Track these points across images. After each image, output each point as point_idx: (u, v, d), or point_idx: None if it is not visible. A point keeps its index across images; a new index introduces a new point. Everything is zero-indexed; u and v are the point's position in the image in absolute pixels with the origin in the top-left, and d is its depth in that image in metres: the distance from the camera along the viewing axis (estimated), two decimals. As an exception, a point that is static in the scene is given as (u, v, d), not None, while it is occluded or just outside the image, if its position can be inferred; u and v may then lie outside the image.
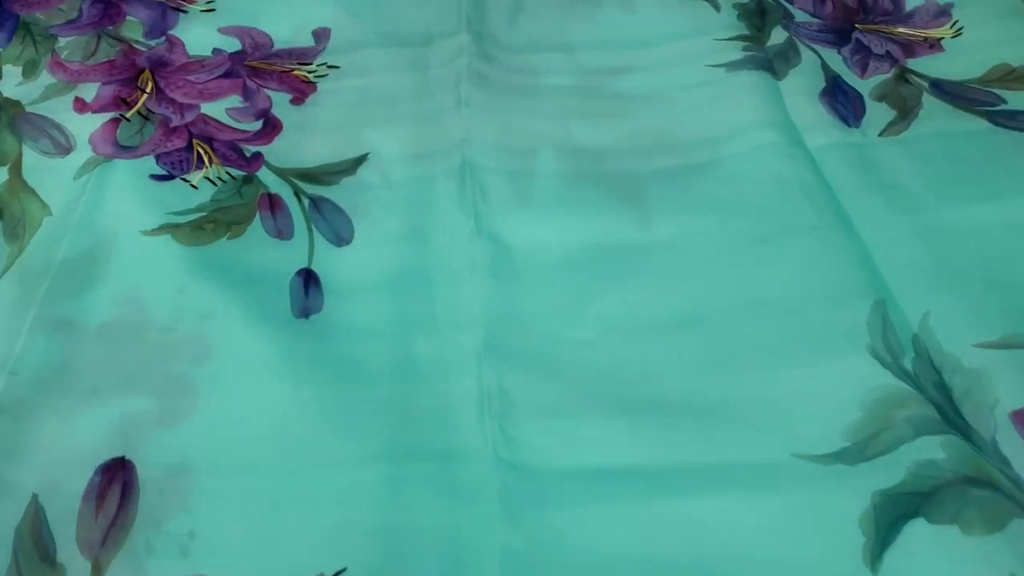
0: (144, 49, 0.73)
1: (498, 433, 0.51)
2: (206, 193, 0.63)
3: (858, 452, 0.49)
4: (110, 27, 0.74)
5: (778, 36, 0.77)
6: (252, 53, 0.73)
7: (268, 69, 0.72)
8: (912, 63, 0.74)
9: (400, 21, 0.77)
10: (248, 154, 0.66)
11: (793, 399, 0.52)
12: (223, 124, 0.68)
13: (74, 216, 0.61)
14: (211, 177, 0.64)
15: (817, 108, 0.71)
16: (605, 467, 0.50)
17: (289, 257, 0.61)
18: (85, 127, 0.68)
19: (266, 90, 0.70)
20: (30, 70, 0.71)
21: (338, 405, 0.53)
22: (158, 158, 0.65)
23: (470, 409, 0.53)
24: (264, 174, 0.65)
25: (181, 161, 0.65)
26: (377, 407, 0.53)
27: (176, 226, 0.61)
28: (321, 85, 0.72)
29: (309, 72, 0.72)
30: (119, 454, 0.50)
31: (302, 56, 0.74)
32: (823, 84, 0.73)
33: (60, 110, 0.69)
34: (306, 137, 0.68)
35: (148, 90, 0.69)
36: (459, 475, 0.50)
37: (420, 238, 0.62)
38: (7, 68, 0.72)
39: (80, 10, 0.76)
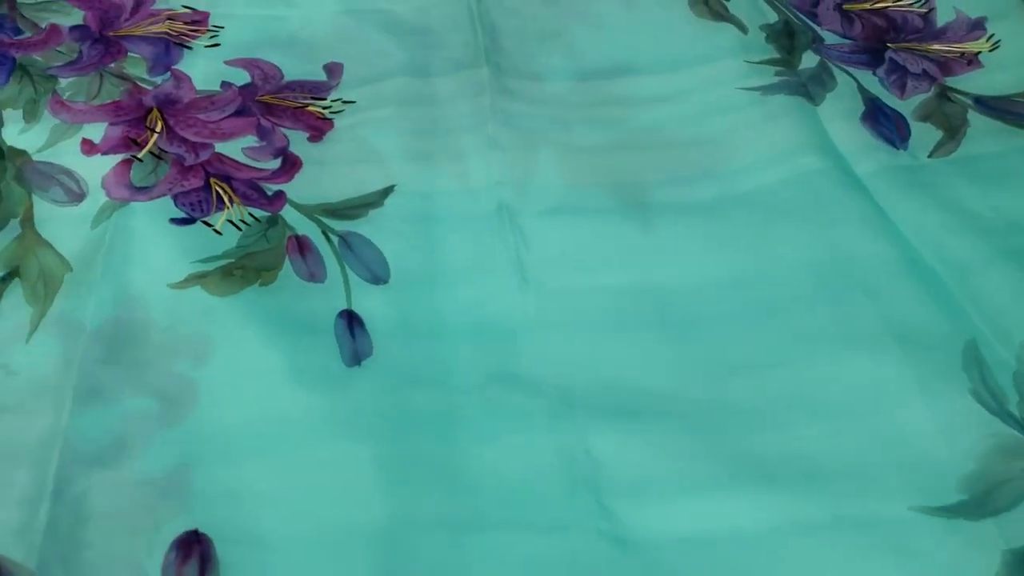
0: (150, 87, 0.69)
1: (594, 505, 0.48)
2: (230, 237, 0.60)
3: (979, 506, 0.47)
4: (112, 65, 0.70)
5: (809, 60, 0.74)
6: (263, 86, 0.69)
7: (281, 105, 0.68)
8: (952, 81, 0.71)
9: (416, 51, 0.74)
10: (270, 192, 0.62)
11: (899, 448, 0.49)
12: (240, 163, 0.64)
13: (96, 271, 0.58)
14: (234, 220, 0.60)
15: (860, 132, 0.68)
16: (712, 533, 0.47)
17: (326, 300, 0.58)
18: (95, 170, 0.64)
19: (282, 128, 0.67)
20: (31, 111, 0.67)
21: (396, 461, 0.50)
22: (176, 198, 0.61)
23: (553, 474, 0.49)
24: (288, 212, 0.62)
25: (200, 202, 0.61)
26: (439, 465, 0.50)
27: (204, 275, 0.57)
28: (338, 121, 0.68)
29: (324, 108, 0.69)
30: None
31: (315, 90, 0.70)
32: (862, 107, 0.69)
33: (67, 153, 0.65)
34: (327, 172, 0.65)
35: (158, 129, 0.65)
36: (550, 548, 0.47)
37: (465, 282, 0.59)
38: (7, 113, 0.68)
39: (80, 51, 0.72)
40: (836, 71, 0.73)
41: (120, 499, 0.49)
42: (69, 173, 0.64)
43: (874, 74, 0.72)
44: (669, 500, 0.49)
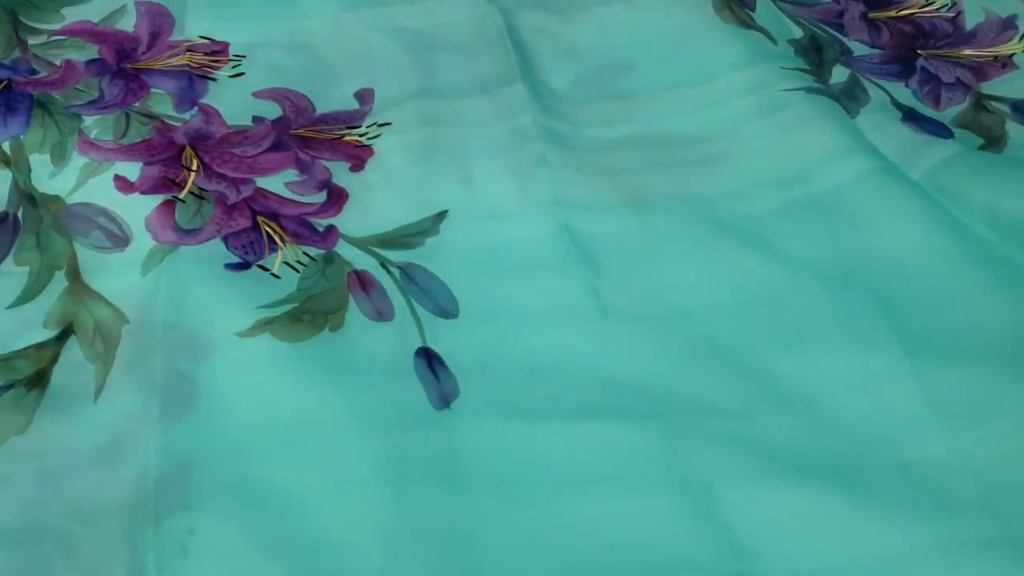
0: (178, 124, 0.66)
1: (725, 544, 0.47)
2: (289, 279, 0.58)
3: None
4: (136, 104, 0.68)
5: (840, 75, 0.72)
6: (296, 119, 0.67)
7: (318, 138, 0.66)
8: (986, 87, 0.70)
9: (447, 71, 0.72)
10: (320, 228, 0.61)
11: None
12: (284, 198, 0.62)
13: (156, 322, 0.55)
14: (290, 262, 0.58)
15: (904, 132, 0.66)
16: (848, 561, 0.46)
17: (398, 339, 0.56)
18: (135, 210, 0.61)
19: (321, 161, 0.65)
20: (59, 154, 0.64)
21: (499, 513, 0.48)
22: (227, 241, 0.59)
23: (676, 515, 0.48)
24: (341, 246, 0.60)
25: (251, 243, 0.59)
26: (551, 511, 0.48)
27: (272, 321, 0.55)
28: (377, 145, 0.66)
29: (360, 136, 0.67)
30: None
31: (349, 120, 0.68)
32: (899, 115, 0.68)
33: (101, 192, 0.62)
34: (374, 201, 0.63)
35: (195, 168, 0.62)
36: None
37: (539, 312, 0.58)
38: (34, 158, 0.64)
39: (100, 89, 0.69)
40: (868, 85, 0.71)
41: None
42: (107, 214, 0.61)
43: (906, 86, 0.71)
44: (801, 533, 0.48)
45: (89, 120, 0.67)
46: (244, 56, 0.71)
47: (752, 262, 0.59)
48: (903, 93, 0.70)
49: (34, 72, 0.69)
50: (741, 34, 0.73)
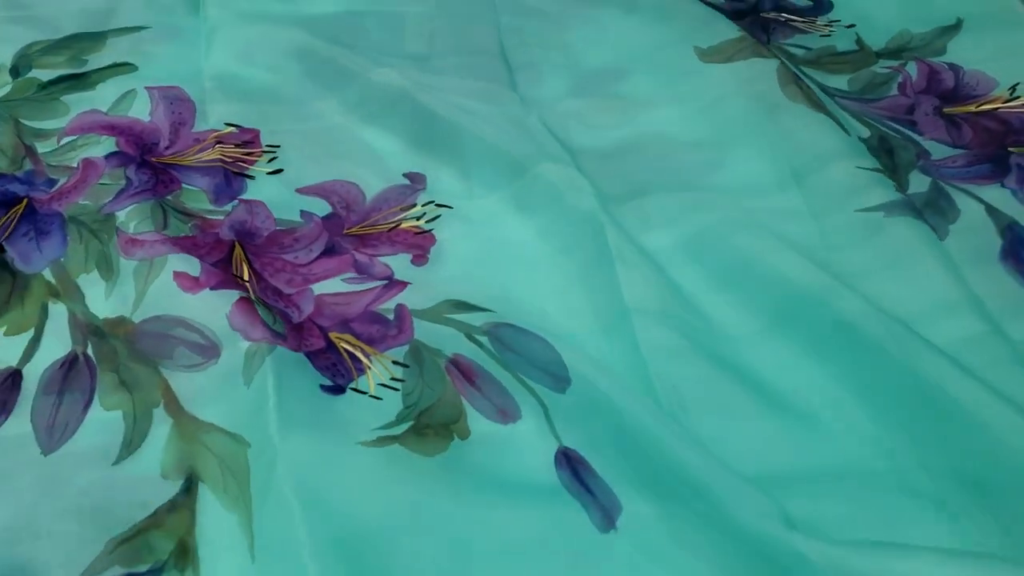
0: (220, 218, 0.60)
1: None
2: (394, 398, 0.52)
3: None
4: (169, 197, 0.61)
5: (919, 183, 0.63)
6: (347, 216, 0.61)
7: (373, 232, 0.61)
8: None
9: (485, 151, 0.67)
10: (392, 318, 0.55)
11: None
12: (346, 293, 0.57)
13: (273, 436, 0.49)
14: (386, 383, 0.52)
15: (1004, 278, 0.57)
16: None
17: (525, 438, 0.50)
18: (213, 311, 0.55)
19: (381, 258, 0.59)
20: (105, 266, 0.58)
21: None
22: (311, 359, 0.53)
23: None
24: (420, 328, 0.55)
25: (334, 364, 0.53)
26: None
27: (399, 435, 0.50)
28: (439, 233, 0.61)
29: (417, 219, 0.61)
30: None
31: (401, 199, 0.63)
32: (999, 240, 0.59)
33: (167, 298, 0.56)
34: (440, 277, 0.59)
35: (246, 278, 0.56)
36: None
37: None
38: (83, 280, 0.57)
39: (127, 177, 0.62)
40: (956, 194, 0.63)
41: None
42: (184, 323, 0.54)
43: (1003, 186, 0.63)
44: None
45: (123, 214, 0.60)
46: (279, 145, 0.65)
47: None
48: (1000, 197, 0.62)
49: (53, 182, 0.62)
50: (813, 118, 0.66)
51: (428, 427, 0.50)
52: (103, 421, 0.51)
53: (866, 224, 0.59)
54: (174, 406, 0.51)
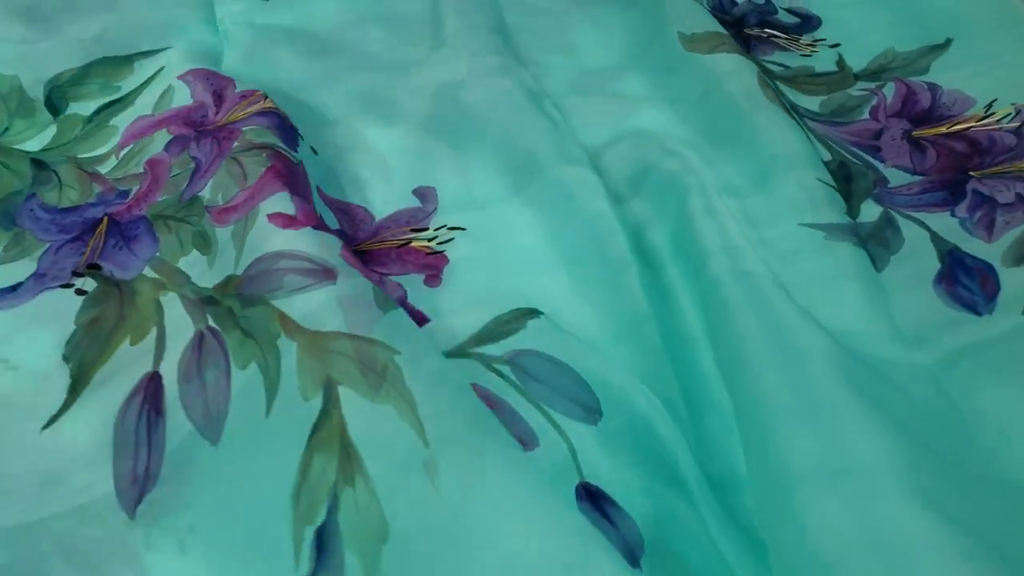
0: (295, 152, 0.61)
1: None
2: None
3: None
4: (235, 145, 0.62)
5: (870, 212, 0.63)
6: (355, 233, 0.62)
7: (382, 249, 0.61)
8: (1053, 201, 0.64)
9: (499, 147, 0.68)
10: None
11: None
12: None
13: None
14: None
15: (932, 302, 0.57)
16: None
17: (557, 472, 0.48)
18: (323, 248, 0.53)
19: (392, 277, 0.60)
20: (204, 245, 0.58)
21: None
22: None
23: None
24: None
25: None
26: None
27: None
28: (451, 252, 0.61)
29: (429, 240, 0.62)
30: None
31: (413, 220, 0.63)
32: (937, 266, 0.59)
33: (268, 241, 0.54)
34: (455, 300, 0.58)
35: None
36: None
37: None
38: (183, 263, 0.57)
39: (192, 158, 0.63)
40: (904, 223, 0.62)
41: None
42: (288, 254, 0.53)
43: (953, 215, 0.62)
44: None
45: (205, 192, 0.60)
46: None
47: None
48: (947, 226, 0.61)
49: (125, 193, 0.64)
50: (785, 121, 0.66)
51: None
52: (246, 380, 0.50)
53: (807, 239, 0.59)
54: (293, 327, 0.50)
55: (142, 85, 0.71)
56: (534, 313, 0.56)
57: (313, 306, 0.50)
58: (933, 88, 0.73)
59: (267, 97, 0.66)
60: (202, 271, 0.56)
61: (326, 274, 0.52)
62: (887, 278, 0.59)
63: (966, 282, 0.58)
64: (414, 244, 0.62)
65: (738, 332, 0.52)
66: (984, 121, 0.69)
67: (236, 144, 0.62)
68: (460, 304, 0.57)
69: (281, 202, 0.56)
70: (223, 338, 0.52)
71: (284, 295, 0.51)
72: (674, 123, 0.69)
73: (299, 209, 0.56)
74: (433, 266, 0.61)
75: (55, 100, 0.71)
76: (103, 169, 0.66)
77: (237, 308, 0.53)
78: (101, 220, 0.62)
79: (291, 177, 0.58)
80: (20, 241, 0.61)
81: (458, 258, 0.61)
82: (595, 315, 0.57)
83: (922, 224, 0.62)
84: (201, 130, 0.65)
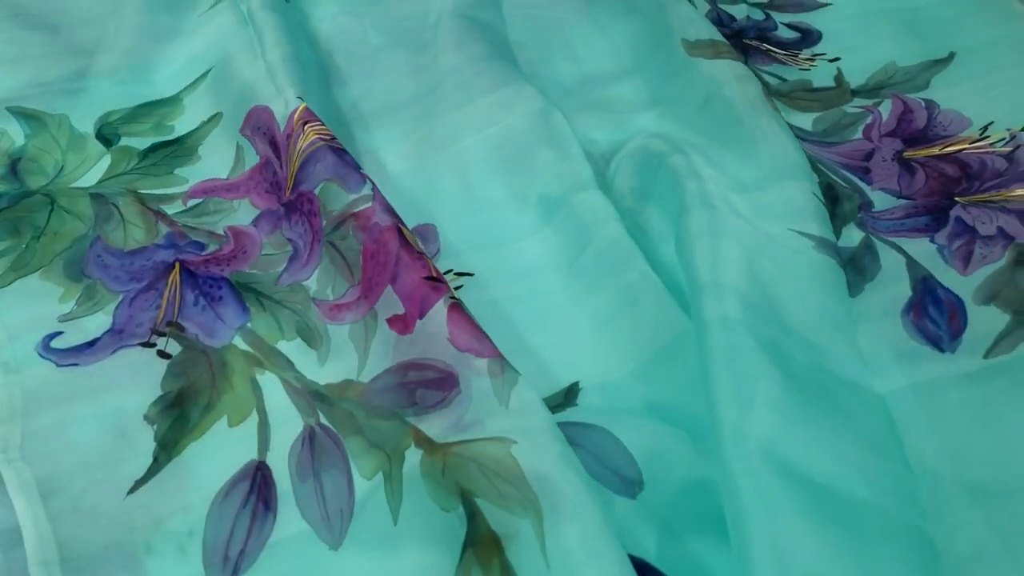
0: (368, 205, 0.58)
1: None
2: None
3: None
4: (324, 223, 0.60)
5: (851, 237, 0.63)
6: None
7: None
8: (1034, 238, 0.59)
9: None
10: None
11: None
12: None
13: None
14: None
15: (898, 332, 0.57)
16: None
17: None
18: (430, 342, 0.52)
19: None
20: (310, 337, 0.57)
21: None
22: None
23: None
24: None
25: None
26: None
27: None
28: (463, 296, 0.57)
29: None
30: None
31: None
32: (908, 294, 0.59)
33: (388, 346, 0.54)
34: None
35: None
36: None
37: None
38: (284, 347, 0.56)
39: (288, 240, 0.62)
40: (883, 248, 0.62)
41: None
42: (411, 365, 0.53)
43: (932, 240, 0.61)
44: None
45: (311, 283, 0.60)
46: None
47: None
48: (926, 252, 0.61)
49: (199, 245, 0.62)
50: (785, 130, 0.66)
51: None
52: (368, 490, 0.50)
53: (797, 243, 0.59)
54: (423, 440, 0.49)
55: (200, 130, 0.72)
56: (575, 391, 0.56)
57: (448, 424, 0.50)
58: (930, 106, 0.73)
59: (307, 123, 0.64)
60: (309, 363, 0.56)
61: (451, 382, 0.51)
62: (859, 305, 0.59)
63: (934, 315, 0.58)
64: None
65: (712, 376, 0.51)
66: (977, 144, 0.68)
67: (325, 223, 0.60)
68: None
69: (391, 303, 0.55)
70: (340, 440, 0.52)
71: (420, 412, 0.51)
72: (676, 128, 0.70)
73: (403, 298, 0.54)
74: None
75: (106, 133, 0.71)
76: (169, 210, 0.65)
77: (362, 416, 0.52)
78: (172, 266, 0.60)
79: (386, 258, 0.56)
80: (92, 294, 0.59)
81: (474, 301, 0.59)
82: (617, 352, 0.58)
83: (899, 249, 0.62)
84: (287, 203, 0.64)
